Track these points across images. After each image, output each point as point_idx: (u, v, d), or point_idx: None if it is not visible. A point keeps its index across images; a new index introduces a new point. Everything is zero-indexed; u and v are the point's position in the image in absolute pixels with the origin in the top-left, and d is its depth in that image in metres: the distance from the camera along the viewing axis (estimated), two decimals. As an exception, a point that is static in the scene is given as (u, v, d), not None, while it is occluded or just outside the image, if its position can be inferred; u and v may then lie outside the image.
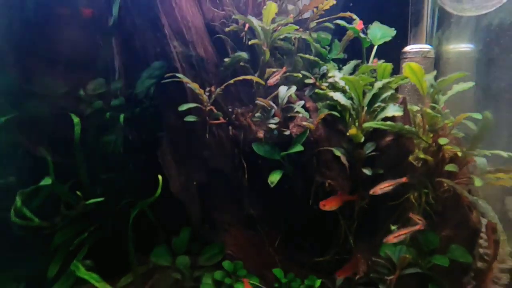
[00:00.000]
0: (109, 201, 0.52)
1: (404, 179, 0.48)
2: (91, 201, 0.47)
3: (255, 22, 0.58)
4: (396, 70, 0.80)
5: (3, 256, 0.45)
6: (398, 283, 0.51)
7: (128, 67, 0.58)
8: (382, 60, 0.65)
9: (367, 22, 0.75)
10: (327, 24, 0.68)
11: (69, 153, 0.48)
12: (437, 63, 0.80)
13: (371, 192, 0.50)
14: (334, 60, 0.71)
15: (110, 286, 0.50)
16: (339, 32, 0.72)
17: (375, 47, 0.66)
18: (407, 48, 0.80)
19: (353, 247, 0.54)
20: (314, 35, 0.66)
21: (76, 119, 0.48)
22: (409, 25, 0.81)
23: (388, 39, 0.67)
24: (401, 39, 0.79)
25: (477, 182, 0.48)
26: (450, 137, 0.54)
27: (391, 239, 0.49)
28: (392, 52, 0.78)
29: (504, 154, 0.49)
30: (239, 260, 0.55)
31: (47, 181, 0.45)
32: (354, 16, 0.66)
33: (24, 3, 0.44)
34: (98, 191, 0.50)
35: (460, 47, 0.79)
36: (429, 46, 0.78)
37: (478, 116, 0.52)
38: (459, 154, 0.52)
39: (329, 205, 0.51)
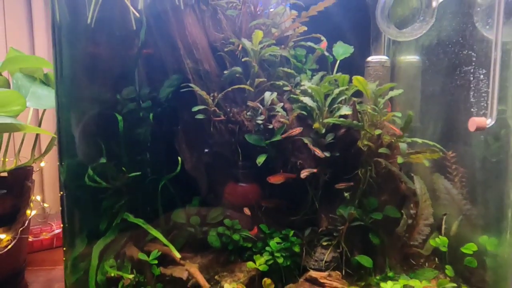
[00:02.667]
0: (141, 176, 0.72)
1: (315, 170, 0.68)
2: (132, 174, 0.67)
3: (247, 44, 0.77)
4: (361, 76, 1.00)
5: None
6: (347, 233, 0.72)
7: (152, 78, 0.77)
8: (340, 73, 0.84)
9: (336, 38, 0.95)
10: (302, 42, 0.88)
11: (115, 141, 0.68)
12: (393, 70, 0.99)
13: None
14: (309, 69, 0.92)
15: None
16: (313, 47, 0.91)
17: (338, 61, 0.87)
18: (369, 59, 0.96)
19: (318, 209, 0.75)
20: (292, 52, 0.86)
21: (119, 117, 0.68)
22: (370, 39, 1.00)
23: (348, 55, 0.87)
24: (365, 51, 0.99)
25: (399, 160, 0.69)
26: (387, 129, 0.75)
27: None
28: (359, 61, 0.98)
29: (419, 140, 0.70)
30: (235, 219, 0.75)
31: (102, 160, 0.64)
32: (322, 38, 0.87)
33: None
34: (134, 169, 0.70)
35: (408, 58, 0.98)
36: (386, 57, 0.95)
37: (399, 114, 0.73)
38: (392, 141, 0.72)
39: (274, 179, 0.71)
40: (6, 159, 1.02)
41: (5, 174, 0.98)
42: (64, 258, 0.60)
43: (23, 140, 1.09)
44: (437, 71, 0.86)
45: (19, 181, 0.97)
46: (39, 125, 1.17)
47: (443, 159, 0.82)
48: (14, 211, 0.95)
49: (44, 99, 1.00)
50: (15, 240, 0.93)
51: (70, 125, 0.59)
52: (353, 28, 0.98)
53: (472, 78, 0.72)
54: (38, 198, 1.04)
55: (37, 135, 1.17)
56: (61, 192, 0.57)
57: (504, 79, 0.64)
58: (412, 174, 0.83)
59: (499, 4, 0.62)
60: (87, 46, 0.62)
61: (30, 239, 1.16)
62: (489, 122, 0.64)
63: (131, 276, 0.60)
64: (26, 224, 0.98)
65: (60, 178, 0.57)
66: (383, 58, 0.95)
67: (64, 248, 0.60)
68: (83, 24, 0.58)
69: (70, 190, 0.59)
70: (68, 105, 0.57)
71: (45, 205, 1.14)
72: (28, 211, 0.99)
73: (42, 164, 1.21)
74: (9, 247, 0.91)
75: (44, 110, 1.13)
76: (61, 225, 0.59)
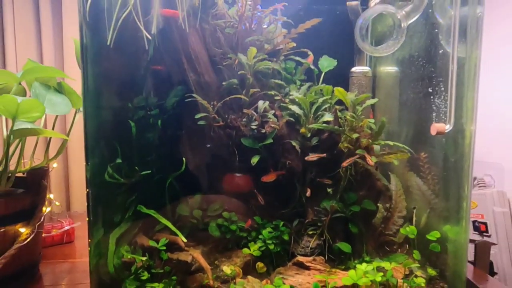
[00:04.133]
0: (151, 174, 0.82)
1: (283, 172, 0.79)
2: (143, 172, 0.77)
3: (243, 58, 0.88)
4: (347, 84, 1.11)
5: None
6: (330, 223, 0.83)
7: (159, 89, 0.87)
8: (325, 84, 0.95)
9: (324, 51, 1.06)
10: (292, 56, 0.99)
11: (128, 144, 0.78)
12: (374, 79, 1.10)
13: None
14: (299, 79, 1.02)
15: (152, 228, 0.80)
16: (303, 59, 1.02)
17: (323, 73, 0.98)
18: (353, 69, 1.06)
19: (304, 203, 0.86)
20: (283, 65, 0.97)
21: (132, 123, 0.78)
22: (354, 52, 1.11)
23: (331, 67, 0.97)
24: (349, 62, 1.10)
25: (373, 159, 0.80)
26: (365, 133, 0.86)
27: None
28: (345, 72, 1.09)
29: (391, 143, 0.81)
30: (232, 212, 0.86)
31: (118, 160, 0.74)
32: (309, 52, 0.98)
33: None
34: (145, 168, 0.80)
35: (387, 69, 1.09)
36: (368, 68, 1.05)
37: (372, 120, 0.83)
38: (368, 143, 0.83)
39: (267, 179, 0.80)
40: (22, 161, 1.12)
41: (21, 174, 1.08)
42: (89, 247, 0.70)
43: (37, 142, 1.19)
44: (410, 81, 0.97)
45: (36, 181, 1.07)
46: (53, 129, 1.27)
47: (417, 160, 0.93)
48: (32, 207, 1.04)
49: (58, 106, 1.10)
50: (33, 234, 1.02)
51: (94, 130, 0.69)
52: (339, 42, 1.08)
53: (436, 88, 0.84)
54: (52, 196, 1.14)
55: (50, 138, 1.27)
56: (87, 190, 0.67)
57: (461, 89, 0.76)
58: (390, 173, 0.95)
59: (454, 26, 0.74)
60: (106, 63, 0.73)
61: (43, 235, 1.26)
62: (447, 127, 0.75)
63: (144, 258, 0.71)
64: (42, 220, 1.08)
65: (86, 177, 0.67)
66: (365, 69, 1.06)
67: (89, 240, 0.70)
68: (104, 44, 0.68)
69: (94, 187, 0.69)
70: (92, 113, 0.67)
71: (57, 203, 1.24)
72: (44, 208, 1.09)
73: (55, 165, 1.31)
74: (28, 239, 1.00)
75: (57, 116, 1.23)
76: (87, 219, 0.69)
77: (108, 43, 0.68)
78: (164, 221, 0.74)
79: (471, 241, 1.34)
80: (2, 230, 0.94)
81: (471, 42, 0.73)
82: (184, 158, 0.82)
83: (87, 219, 0.69)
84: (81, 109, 1.18)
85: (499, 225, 1.55)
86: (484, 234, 1.60)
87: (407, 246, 0.85)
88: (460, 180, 0.76)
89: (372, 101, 0.84)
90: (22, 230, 1.00)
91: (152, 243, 0.75)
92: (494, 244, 1.57)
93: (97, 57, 0.68)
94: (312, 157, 0.78)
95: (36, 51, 1.81)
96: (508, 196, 1.59)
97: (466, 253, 0.76)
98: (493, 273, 1.54)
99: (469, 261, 1.04)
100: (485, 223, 1.59)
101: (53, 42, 1.79)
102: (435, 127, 0.74)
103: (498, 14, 1.67)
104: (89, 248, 0.69)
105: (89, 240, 0.68)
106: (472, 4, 0.73)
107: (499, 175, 1.64)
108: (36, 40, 1.81)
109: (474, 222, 1.63)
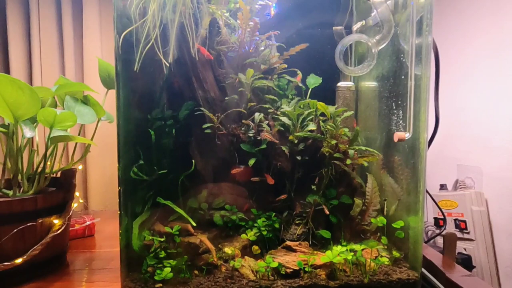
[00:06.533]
0: (166, 173, 1.00)
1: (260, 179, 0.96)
2: (160, 172, 0.95)
3: (242, 77, 1.06)
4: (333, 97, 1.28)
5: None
6: (313, 214, 1.00)
7: (173, 103, 1.05)
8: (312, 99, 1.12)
9: (312, 68, 1.23)
10: (284, 75, 1.17)
11: (148, 148, 0.96)
12: (357, 93, 1.26)
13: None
14: (291, 94, 1.20)
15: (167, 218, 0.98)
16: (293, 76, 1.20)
17: (310, 90, 1.15)
18: (339, 84, 1.20)
19: (293, 197, 1.03)
20: (276, 82, 1.15)
21: (151, 131, 0.96)
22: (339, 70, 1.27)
23: (318, 84, 1.14)
24: (335, 78, 1.27)
25: (348, 161, 0.97)
26: (343, 140, 1.03)
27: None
28: (331, 86, 1.26)
29: (363, 148, 0.98)
30: (233, 205, 1.03)
31: (141, 161, 0.92)
32: (298, 72, 1.15)
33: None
34: (162, 168, 0.98)
35: (367, 84, 1.25)
36: (352, 83, 1.22)
37: (346, 129, 1.01)
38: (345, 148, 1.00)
39: (235, 171, 0.97)
40: (50, 163, 1.30)
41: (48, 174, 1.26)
42: (119, 231, 0.88)
43: (64, 147, 1.38)
44: (383, 96, 1.15)
45: (67, 180, 1.26)
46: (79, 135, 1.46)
47: (391, 162, 1.10)
48: (63, 203, 1.22)
49: (86, 116, 1.28)
50: (65, 225, 1.21)
51: (124, 137, 0.87)
52: (327, 60, 1.26)
53: (400, 102, 1.01)
54: (77, 194, 1.32)
55: (76, 144, 1.46)
56: (119, 188, 0.84)
57: (418, 103, 0.93)
58: (367, 173, 1.12)
59: (411, 50, 0.91)
60: (133, 84, 0.91)
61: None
62: (407, 135, 0.92)
63: (162, 239, 0.88)
64: (70, 214, 1.26)
65: (118, 175, 0.85)
66: (349, 83, 1.22)
67: (120, 231, 0.88)
68: (132, 71, 0.87)
69: (123, 183, 0.87)
70: (122, 124, 0.85)
71: (81, 200, 1.42)
72: (72, 204, 1.27)
73: (80, 167, 1.50)
74: (60, 230, 1.18)
75: (83, 124, 1.42)
76: (118, 212, 0.87)
77: (135, 69, 0.87)
78: (179, 209, 0.91)
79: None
80: (40, 220, 1.12)
81: (424, 65, 0.90)
82: (193, 160, 1.00)
83: (118, 211, 0.86)
84: (103, 118, 1.37)
85: (477, 222, 1.71)
86: (464, 231, 1.75)
87: (379, 234, 1.02)
88: (417, 177, 0.93)
89: (348, 113, 1.02)
90: (56, 221, 1.18)
91: (167, 229, 0.93)
92: (472, 240, 1.73)
93: (127, 81, 0.86)
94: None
95: (59, 68, 2.01)
96: (486, 196, 1.75)
97: (422, 238, 0.93)
98: (471, 267, 1.69)
99: (439, 251, 1.21)
100: (464, 221, 1.75)
101: (74, 60, 1.98)
102: (397, 135, 0.91)
103: (475, 27, 1.83)
104: (119, 231, 0.87)
105: (119, 226, 0.86)
106: (426, 34, 0.91)
107: (478, 177, 1.79)
108: (59, 58, 2.01)
109: (455, 220, 1.79)
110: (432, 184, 2.03)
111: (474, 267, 1.69)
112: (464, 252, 1.71)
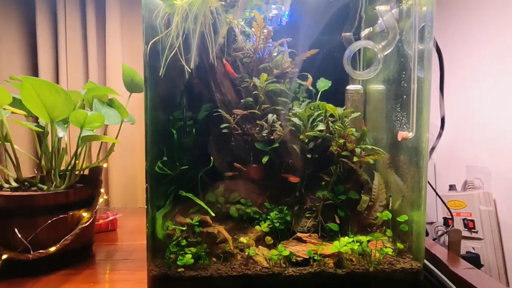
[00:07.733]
0: (187, 169, 1.09)
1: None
2: (182, 168, 1.04)
3: (256, 81, 1.14)
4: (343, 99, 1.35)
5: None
6: (323, 209, 1.07)
7: (193, 105, 1.15)
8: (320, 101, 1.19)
9: (324, 72, 1.30)
10: (297, 79, 1.25)
11: (171, 146, 1.05)
12: (365, 95, 1.33)
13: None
14: (302, 97, 1.28)
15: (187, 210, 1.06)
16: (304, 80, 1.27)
17: (320, 92, 1.23)
18: (348, 87, 1.26)
19: (304, 192, 1.11)
20: (288, 85, 1.23)
21: (174, 131, 1.05)
22: (349, 73, 1.34)
23: (327, 87, 1.22)
24: (345, 81, 1.34)
25: (355, 159, 1.04)
26: (350, 139, 1.10)
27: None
28: (341, 89, 1.33)
29: (369, 146, 1.05)
30: (248, 199, 1.11)
31: (164, 158, 1.01)
32: (309, 76, 1.23)
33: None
34: (183, 164, 1.07)
35: (375, 87, 1.32)
36: (360, 86, 1.28)
37: (353, 129, 1.08)
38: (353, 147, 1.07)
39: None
40: (78, 161, 1.40)
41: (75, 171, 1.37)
42: (146, 221, 0.97)
43: (90, 147, 1.48)
44: (390, 97, 1.21)
45: (95, 176, 1.36)
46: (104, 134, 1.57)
47: (396, 161, 1.16)
48: (91, 197, 1.32)
49: (111, 117, 1.39)
50: (92, 218, 1.31)
51: (150, 136, 0.96)
52: (337, 64, 1.33)
53: (404, 103, 1.07)
54: (102, 190, 1.42)
55: (101, 143, 1.56)
56: (146, 185, 0.94)
57: (421, 104, 0.99)
58: (374, 171, 1.18)
59: (414, 55, 0.98)
60: (158, 88, 1.00)
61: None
62: (410, 134, 0.98)
63: (184, 228, 0.97)
64: (97, 208, 1.36)
65: (145, 170, 0.94)
66: (358, 86, 1.29)
67: (147, 224, 0.97)
68: (158, 76, 0.96)
69: (149, 178, 0.96)
70: (149, 124, 0.94)
71: (105, 196, 1.52)
72: (99, 199, 1.37)
73: (105, 165, 1.60)
74: (88, 223, 1.28)
75: (107, 125, 1.53)
76: (145, 206, 0.96)
77: (160, 74, 0.96)
78: (199, 201, 1.00)
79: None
80: (71, 213, 1.22)
81: (426, 68, 0.97)
82: (211, 157, 1.09)
83: (145, 206, 0.95)
84: (125, 120, 1.47)
85: (485, 222, 1.74)
86: (472, 230, 1.79)
87: (384, 227, 1.08)
88: (420, 174, 0.99)
89: (355, 114, 1.09)
90: (84, 214, 1.28)
91: (188, 220, 1.01)
92: (480, 239, 1.76)
93: (153, 85, 0.96)
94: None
95: (83, 72, 2.13)
96: (494, 196, 1.78)
97: (424, 231, 0.99)
98: (479, 265, 1.73)
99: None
100: (472, 221, 1.78)
101: (97, 65, 2.11)
102: (401, 134, 0.98)
103: (484, 30, 1.88)
104: (146, 225, 0.96)
105: (146, 216, 0.95)
106: (427, 40, 0.98)
107: (487, 178, 1.83)
108: (84, 64, 2.14)
109: (463, 220, 1.83)
110: (442, 185, 2.07)
111: (482, 265, 1.72)
112: (473, 251, 1.75)
